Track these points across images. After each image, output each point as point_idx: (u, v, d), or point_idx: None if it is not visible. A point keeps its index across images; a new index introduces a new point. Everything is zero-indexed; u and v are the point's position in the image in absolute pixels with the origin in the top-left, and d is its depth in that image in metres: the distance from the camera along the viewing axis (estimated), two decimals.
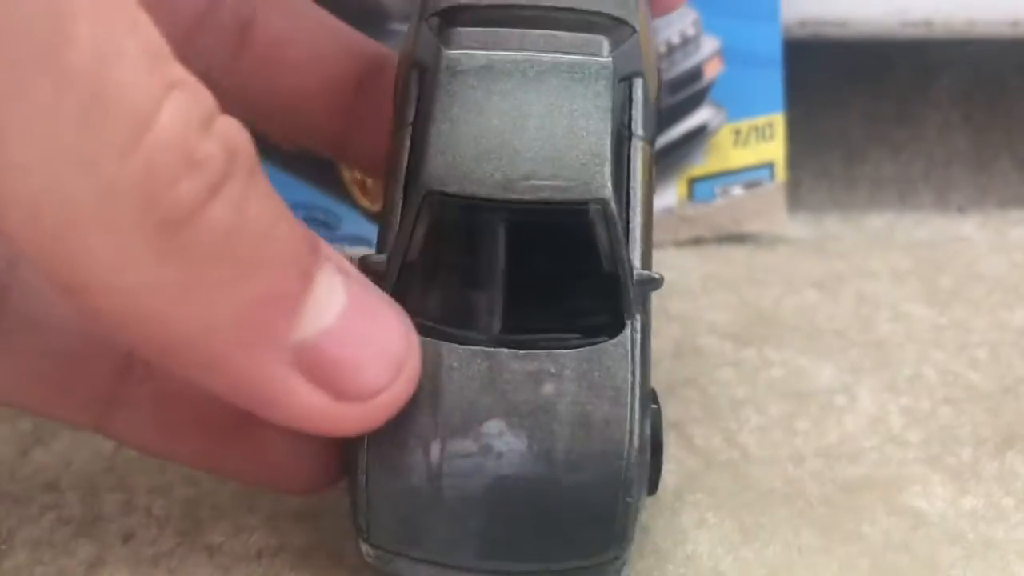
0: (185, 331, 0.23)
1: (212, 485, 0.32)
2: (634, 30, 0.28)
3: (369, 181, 0.44)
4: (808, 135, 0.53)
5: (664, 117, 0.48)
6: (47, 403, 0.28)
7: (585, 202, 0.26)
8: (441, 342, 0.26)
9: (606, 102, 0.27)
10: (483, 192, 0.26)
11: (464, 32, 0.28)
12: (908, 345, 0.40)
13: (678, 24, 0.47)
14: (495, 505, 0.26)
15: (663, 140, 0.48)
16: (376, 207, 0.44)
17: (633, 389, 0.26)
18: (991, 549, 0.30)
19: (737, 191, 0.49)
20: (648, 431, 0.27)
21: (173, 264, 0.22)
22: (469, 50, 0.27)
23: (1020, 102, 0.55)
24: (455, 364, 0.26)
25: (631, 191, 0.28)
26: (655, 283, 0.27)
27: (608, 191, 0.26)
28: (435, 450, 0.26)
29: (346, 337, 0.24)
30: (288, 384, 0.24)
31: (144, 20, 0.21)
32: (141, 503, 0.31)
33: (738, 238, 0.49)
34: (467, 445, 0.26)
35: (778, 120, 0.48)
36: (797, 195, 0.52)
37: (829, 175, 0.54)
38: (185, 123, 0.21)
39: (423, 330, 0.26)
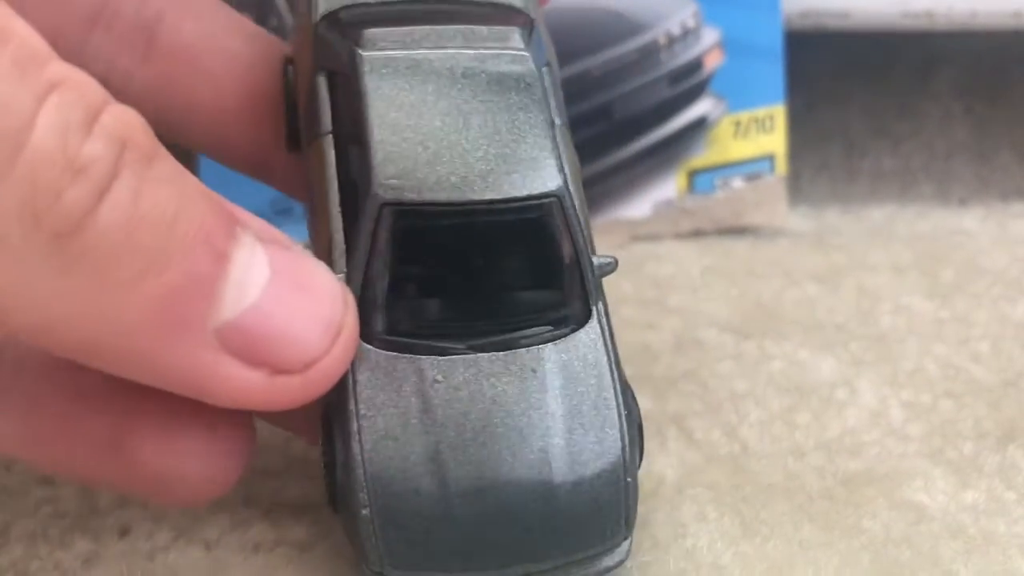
0: (99, 333, 0.22)
1: None
2: (531, 18, 0.28)
3: None
4: (809, 127, 0.53)
5: (664, 108, 0.48)
6: None
7: (546, 195, 0.26)
8: (421, 356, 0.26)
9: (538, 92, 0.27)
10: (442, 197, 0.26)
11: (377, 32, 0.27)
12: (909, 338, 0.40)
13: (678, 15, 0.47)
14: (507, 509, 0.25)
15: (663, 132, 0.48)
16: None
17: (612, 370, 0.27)
18: (992, 543, 0.29)
19: (737, 183, 0.49)
20: (633, 407, 0.27)
21: (74, 272, 0.21)
22: (387, 51, 0.27)
23: (1022, 94, 0.55)
24: (440, 377, 0.26)
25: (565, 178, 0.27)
26: (611, 266, 0.28)
27: (562, 181, 0.26)
28: (438, 467, 0.25)
29: (273, 310, 0.24)
30: (219, 368, 0.23)
31: (13, 27, 0.21)
32: (137, 497, 0.31)
33: (738, 230, 0.49)
34: (469, 456, 0.25)
35: (779, 112, 0.48)
36: (798, 187, 0.52)
37: (830, 167, 0.54)
38: (63, 129, 0.21)
39: (398, 347, 0.26)
